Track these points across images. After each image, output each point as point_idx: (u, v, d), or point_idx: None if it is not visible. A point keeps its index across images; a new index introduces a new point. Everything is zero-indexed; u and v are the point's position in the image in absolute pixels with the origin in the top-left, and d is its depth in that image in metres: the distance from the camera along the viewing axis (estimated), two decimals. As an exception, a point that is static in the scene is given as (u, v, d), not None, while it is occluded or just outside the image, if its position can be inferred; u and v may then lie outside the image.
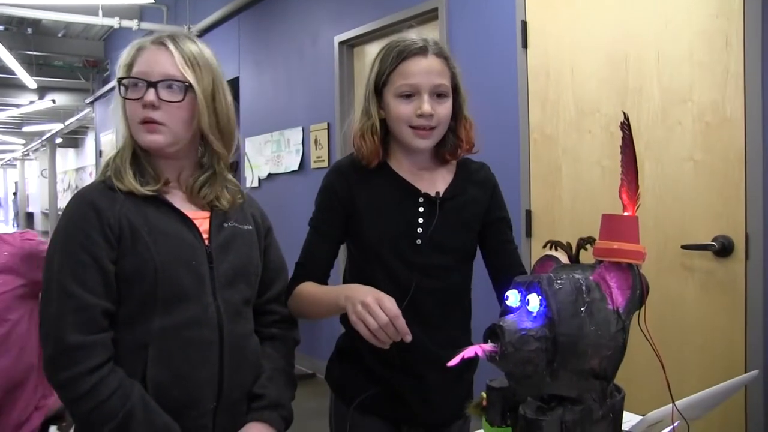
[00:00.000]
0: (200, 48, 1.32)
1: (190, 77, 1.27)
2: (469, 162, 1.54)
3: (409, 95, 1.38)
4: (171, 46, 1.28)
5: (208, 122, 1.30)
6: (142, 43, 1.31)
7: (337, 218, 1.47)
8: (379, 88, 1.43)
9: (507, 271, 1.46)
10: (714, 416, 1.10)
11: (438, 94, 1.39)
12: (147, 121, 1.26)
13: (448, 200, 1.44)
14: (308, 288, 1.44)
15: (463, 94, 1.46)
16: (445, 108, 1.40)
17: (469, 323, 1.53)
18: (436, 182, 1.46)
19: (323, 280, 1.48)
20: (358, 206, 1.44)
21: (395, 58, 1.39)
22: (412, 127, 1.38)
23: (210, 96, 1.30)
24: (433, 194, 1.43)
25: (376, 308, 1.18)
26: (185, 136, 1.30)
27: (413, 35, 1.42)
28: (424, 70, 1.37)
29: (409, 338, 1.19)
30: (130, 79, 1.27)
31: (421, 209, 1.43)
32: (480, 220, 1.48)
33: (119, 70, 1.30)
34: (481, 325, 1.46)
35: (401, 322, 1.18)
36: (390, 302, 1.20)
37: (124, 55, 1.31)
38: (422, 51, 1.38)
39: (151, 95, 1.24)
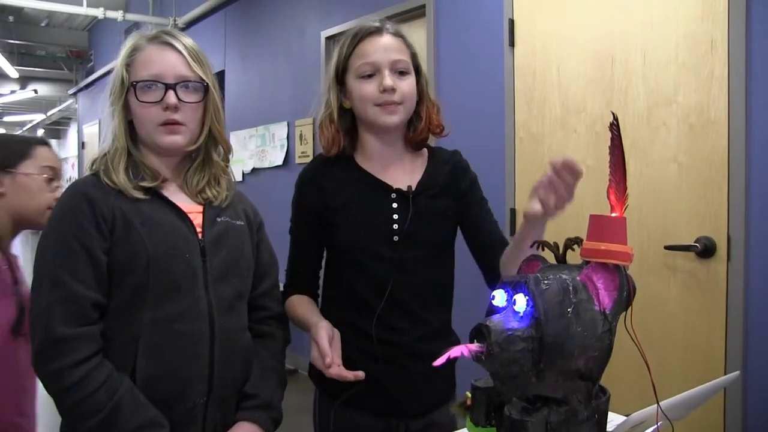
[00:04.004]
0: (193, 42, 1.34)
1: (203, 75, 1.30)
2: (440, 151, 1.53)
3: (370, 75, 1.38)
4: (178, 45, 1.29)
5: (216, 116, 1.33)
6: (137, 43, 1.30)
7: (312, 226, 1.48)
8: (340, 76, 1.44)
9: (489, 247, 1.45)
10: (692, 415, 1.11)
11: (399, 72, 1.39)
12: (169, 123, 1.27)
13: (421, 193, 1.43)
14: (292, 304, 1.49)
15: (426, 76, 1.47)
16: (407, 84, 1.40)
17: (449, 314, 1.52)
18: (408, 175, 1.46)
19: (310, 288, 1.53)
20: (330, 207, 1.44)
21: (351, 41, 1.41)
22: (378, 105, 1.38)
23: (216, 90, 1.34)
24: (405, 188, 1.43)
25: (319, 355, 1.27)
26: (198, 134, 1.32)
27: (373, 21, 1.44)
28: (381, 47, 1.38)
29: (352, 378, 1.25)
30: (145, 82, 1.26)
31: (394, 205, 1.42)
32: (455, 209, 1.48)
33: (122, 72, 1.28)
34: (465, 315, 1.44)
35: (336, 372, 1.24)
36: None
37: (122, 57, 1.29)
38: (378, 30, 1.40)
39: (172, 98, 1.25)
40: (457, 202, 1.48)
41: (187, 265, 1.25)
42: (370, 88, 1.38)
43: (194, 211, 1.32)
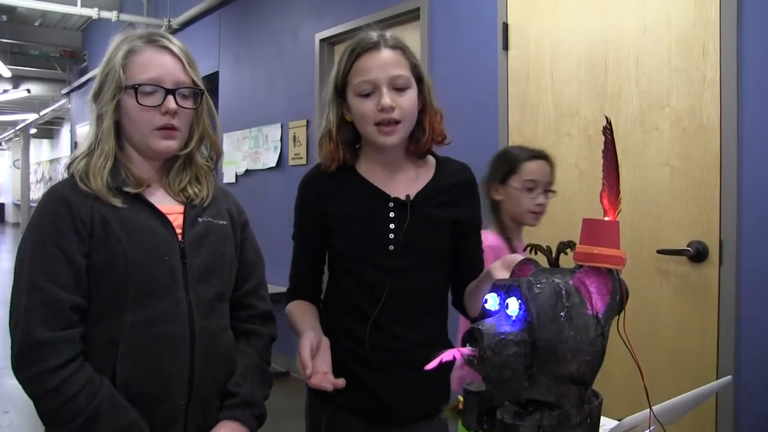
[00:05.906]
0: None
1: (197, 80, 1.30)
2: (448, 162, 1.51)
3: (368, 93, 1.36)
4: (174, 49, 1.29)
5: (211, 121, 1.35)
6: (132, 46, 1.28)
7: (313, 231, 1.47)
8: (340, 90, 1.41)
9: (469, 277, 1.43)
10: (684, 420, 1.11)
11: (398, 88, 1.36)
12: (167, 128, 1.27)
13: (420, 202, 1.42)
14: (290, 311, 1.49)
15: (428, 83, 1.43)
16: (407, 100, 1.37)
17: (445, 321, 1.52)
18: (410, 183, 1.44)
19: (313, 293, 1.52)
20: (330, 214, 1.44)
21: (349, 56, 1.39)
22: (376, 124, 1.36)
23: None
24: (403, 197, 1.41)
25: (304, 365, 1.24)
26: (188, 138, 1.33)
27: (372, 32, 1.40)
28: (379, 64, 1.35)
29: (330, 388, 1.22)
30: (145, 86, 1.25)
31: (391, 214, 1.41)
32: (453, 222, 1.45)
33: (120, 73, 1.25)
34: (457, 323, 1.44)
35: (316, 381, 1.22)
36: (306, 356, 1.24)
37: (118, 59, 1.27)
38: (375, 45, 1.37)
39: (172, 103, 1.26)
40: (454, 220, 1.45)
41: (166, 267, 1.25)
42: (368, 106, 1.36)
43: (175, 212, 1.32)
